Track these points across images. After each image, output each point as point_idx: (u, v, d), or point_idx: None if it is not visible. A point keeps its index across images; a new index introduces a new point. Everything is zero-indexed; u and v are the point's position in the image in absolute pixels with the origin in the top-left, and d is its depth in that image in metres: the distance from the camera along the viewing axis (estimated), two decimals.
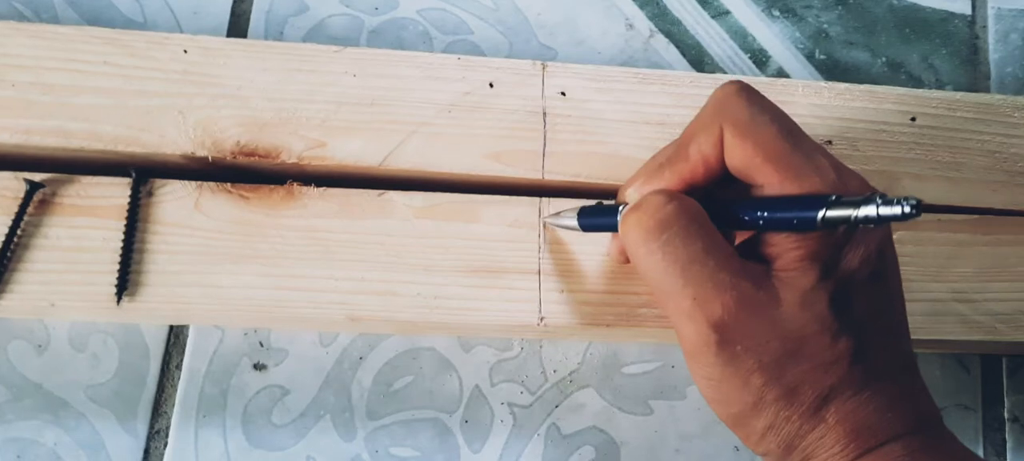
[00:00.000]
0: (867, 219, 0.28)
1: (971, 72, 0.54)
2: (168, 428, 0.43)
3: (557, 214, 0.40)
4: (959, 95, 0.46)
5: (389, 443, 0.44)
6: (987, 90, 0.54)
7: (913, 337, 0.41)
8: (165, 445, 0.43)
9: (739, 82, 0.33)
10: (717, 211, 0.32)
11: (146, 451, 0.43)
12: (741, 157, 0.31)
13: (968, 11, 0.56)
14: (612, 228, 0.36)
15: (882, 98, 0.45)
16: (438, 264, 0.40)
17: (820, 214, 0.29)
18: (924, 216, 0.44)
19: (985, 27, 0.56)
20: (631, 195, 0.35)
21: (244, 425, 0.43)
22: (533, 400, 0.45)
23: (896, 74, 0.54)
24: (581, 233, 0.41)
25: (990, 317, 0.43)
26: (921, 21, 0.55)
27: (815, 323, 0.30)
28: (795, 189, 0.30)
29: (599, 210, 0.37)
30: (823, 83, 0.45)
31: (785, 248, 0.31)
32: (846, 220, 0.28)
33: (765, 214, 0.30)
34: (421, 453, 0.44)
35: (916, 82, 0.54)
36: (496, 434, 0.45)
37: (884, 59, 0.54)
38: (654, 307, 0.40)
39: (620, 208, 0.35)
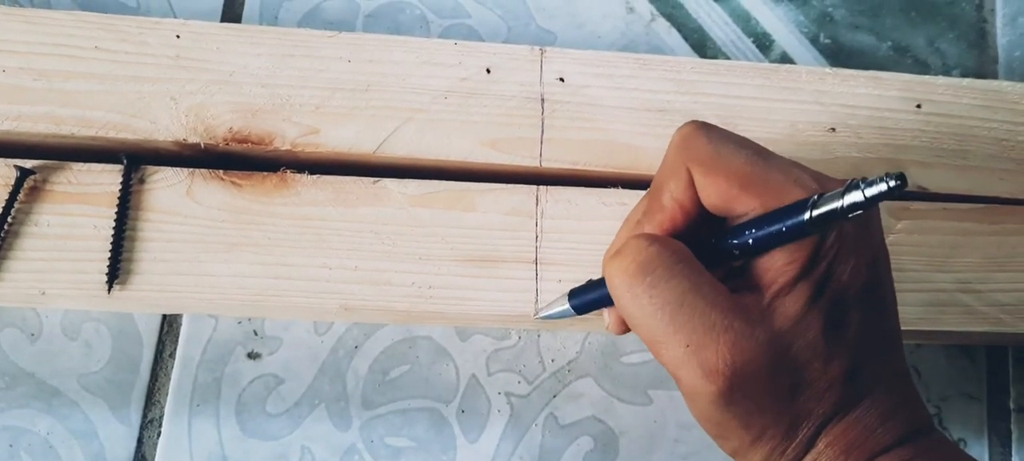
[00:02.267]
0: (855, 205, 0.27)
1: (979, 56, 0.54)
2: (161, 417, 0.43)
3: (547, 305, 0.38)
4: (966, 81, 0.45)
5: (385, 433, 0.44)
6: (995, 74, 0.53)
7: (917, 328, 0.41)
8: (159, 434, 0.43)
9: (696, 121, 0.32)
10: (705, 251, 0.31)
11: (139, 440, 0.43)
12: (715, 192, 0.30)
13: None
14: (605, 301, 0.35)
15: (887, 84, 0.44)
16: (433, 253, 0.40)
17: (807, 214, 0.28)
18: (929, 205, 0.43)
19: (993, 10, 0.55)
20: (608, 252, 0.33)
21: (238, 414, 0.43)
22: (531, 390, 0.45)
23: (902, 58, 0.53)
24: (580, 219, 0.40)
25: (995, 307, 0.42)
26: (928, 4, 0.54)
27: (808, 351, 0.29)
28: (776, 204, 0.29)
29: (588, 287, 0.36)
30: (827, 69, 0.44)
31: (776, 273, 0.30)
32: (835, 212, 0.27)
33: (753, 233, 0.29)
34: (417, 443, 0.44)
35: (922, 66, 0.53)
36: (493, 424, 0.44)
37: (890, 43, 0.53)
38: None
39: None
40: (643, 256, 0.30)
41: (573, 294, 0.37)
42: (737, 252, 0.30)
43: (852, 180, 0.27)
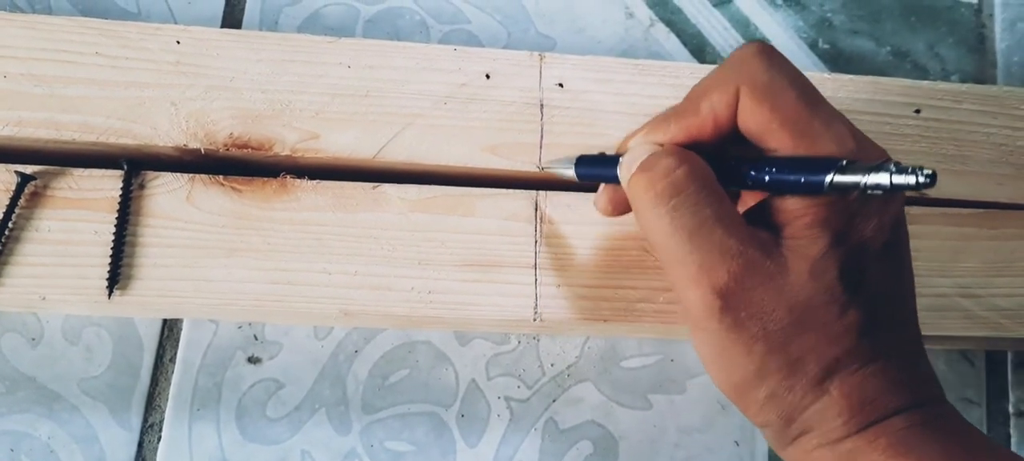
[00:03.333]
0: (878, 186, 0.27)
1: (978, 61, 0.54)
2: (162, 421, 0.43)
3: (554, 162, 0.39)
4: (965, 87, 0.45)
5: (385, 437, 0.44)
6: (994, 80, 0.53)
7: None
8: (159, 438, 0.43)
9: (761, 43, 0.31)
10: (723, 169, 0.31)
11: (140, 444, 0.43)
12: (757, 120, 0.30)
13: None
14: (609, 179, 0.35)
15: (886, 89, 0.44)
16: (433, 258, 0.40)
17: (828, 178, 0.28)
18: (929, 210, 0.43)
19: (992, 15, 0.55)
20: (633, 145, 0.33)
21: (238, 418, 0.43)
22: (530, 394, 0.45)
23: (901, 63, 0.53)
24: (579, 224, 0.40)
25: (995, 312, 0.42)
26: (927, 9, 0.54)
27: (824, 293, 0.29)
28: (809, 153, 0.29)
29: (598, 160, 0.36)
30: (826, 74, 0.45)
31: (795, 215, 0.30)
32: (855, 186, 0.27)
33: (773, 172, 0.29)
34: (417, 447, 0.44)
35: (922, 71, 0.53)
36: (493, 428, 0.44)
37: (889, 48, 0.53)
38: (653, 302, 0.40)
39: (620, 159, 0.33)
40: (671, 178, 0.30)
41: (581, 162, 0.37)
42: (750, 184, 0.31)
43: (885, 160, 0.27)
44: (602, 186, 0.37)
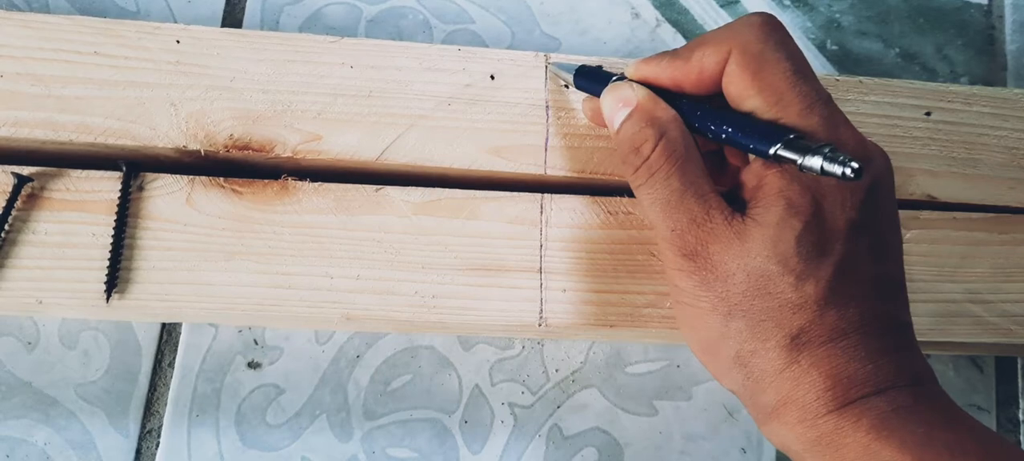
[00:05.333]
0: (809, 168, 0.29)
1: (987, 63, 0.53)
2: (160, 427, 0.42)
3: (561, 63, 0.41)
4: (976, 89, 0.45)
5: (386, 444, 0.43)
6: (1003, 82, 0.53)
7: (926, 339, 0.40)
8: (157, 445, 0.42)
9: (768, 14, 0.33)
10: (690, 115, 0.34)
11: (138, 451, 0.42)
12: (738, 85, 0.32)
13: (984, 0, 0.54)
14: (597, 92, 0.37)
15: (896, 92, 0.44)
16: (437, 262, 0.39)
17: (773, 149, 0.30)
18: (939, 214, 0.43)
19: (1001, 17, 0.54)
20: (620, 86, 0.36)
21: (238, 425, 0.42)
22: (534, 400, 0.44)
23: (910, 65, 0.52)
24: (585, 227, 0.40)
25: (1005, 318, 0.41)
26: (936, 10, 0.53)
27: (778, 262, 0.31)
28: (775, 118, 0.31)
29: (597, 75, 0.38)
30: (835, 76, 0.44)
31: (758, 185, 0.32)
32: (793, 163, 0.29)
33: (728, 130, 0.32)
34: (419, 454, 0.43)
35: (930, 73, 0.52)
36: (496, 435, 0.44)
37: (898, 50, 0.52)
38: (659, 307, 0.39)
39: (614, 77, 0.37)
40: (648, 161, 0.33)
41: (581, 73, 0.39)
42: (709, 135, 0.33)
43: (825, 146, 0.29)
44: (587, 99, 0.40)
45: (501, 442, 0.44)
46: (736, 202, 0.33)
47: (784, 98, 0.31)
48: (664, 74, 0.35)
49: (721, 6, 0.52)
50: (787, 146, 0.30)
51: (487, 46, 0.50)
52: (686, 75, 0.34)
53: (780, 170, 0.31)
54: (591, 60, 0.42)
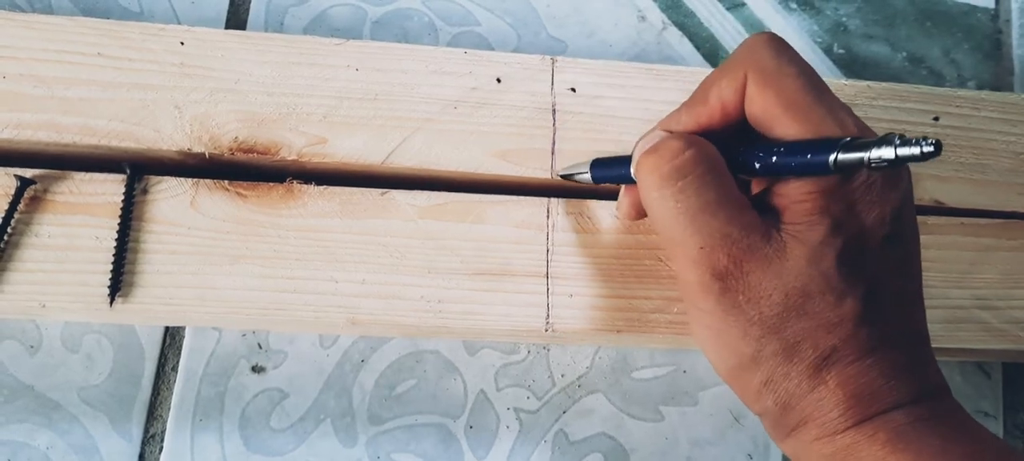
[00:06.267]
0: (882, 160, 0.27)
1: (994, 67, 0.53)
2: (163, 432, 0.42)
3: (570, 167, 0.39)
4: (984, 94, 0.44)
5: (391, 449, 0.43)
6: (1010, 87, 0.53)
7: (934, 345, 0.40)
8: (160, 449, 0.42)
9: (770, 33, 0.32)
10: (730, 156, 0.31)
11: (141, 456, 0.42)
12: (762, 106, 0.30)
13: (991, 4, 0.54)
14: (624, 179, 0.35)
15: (903, 96, 0.44)
16: (442, 266, 0.39)
17: (832, 156, 0.28)
18: (946, 220, 0.42)
19: (1008, 21, 0.54)
20: (645, 135, 0.34)
21: (242, 429, 0.42)
22: (540, 405, 0.44)
23: (917, 69, 0.52)
24: (592, 232, 0.39)
25: (1013, 325, 0.41)
26: (943, 14, 0.53)
27: (820, 280, 0.30)
28: (811, 136, 0.29)
29: (614, 161, 0.36)
30: (843, 80, 0.44)
31: (796, 200, 0.30)
32: (860, 163, 0.27)
33: (780, 152, 0.30)
34: (424, 459, 0.43)
35: (937, 77, 0.52)
36: (502, 440, 0.43)
37: (904, 53, 0.52)
38: (667, 313, 0.39)
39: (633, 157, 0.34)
40: (678, 160, 0.30)
41: (597, 164, 0.37)
42: (758, 168, 0.31)
43: (889, 134, 0.27)
44: (623, 190, 0.37)
45: (506, 447, 0.43)
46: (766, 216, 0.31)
47: (810, 110, 0.30)
48: (688, 124, 0.33)
49: (727, 9, 0.52)
50: (847, 149, 0.28)
51: (493, 49, 0.49)
52: (710, 115, 0.32)
53: (821, 186, 0.30)
54: (596, 62, 0.42)
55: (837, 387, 0.30)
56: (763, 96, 0.30)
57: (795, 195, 0.30)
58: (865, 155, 0.27)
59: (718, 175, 0.30)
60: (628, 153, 0.35)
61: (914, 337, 0.32)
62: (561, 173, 0.40)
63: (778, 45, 0.31)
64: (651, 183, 0.31)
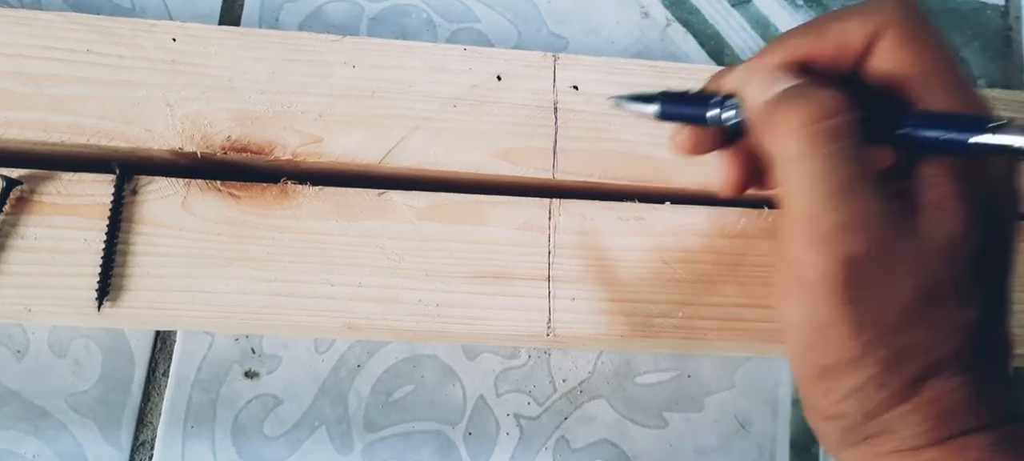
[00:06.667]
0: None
1: (1004, 66, 0.52)
2: (154, 439, 0.41)
3: (630, 96, 0.32)
4: (994, 92, 0.44)
5: (388, 456, 0.42)
6: (1020, 85, 0.52)
7: None
8: (150, 457, 0.41)
9: None
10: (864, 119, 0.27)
11: None
12: (902, 63, 0.27)
13: (1001, 1, 0.53)
14: (697, 120, 0.30)
15: None
16: (441, 269, 0.38)
17: (977, 137, 0.25)
18: None
19: (1019, 18, 0.53)
20: (753, 70, 0.29)
21: (234, 436, 0.41)
22: (541, 411, 0.43)
23: None
24: (595, 234, 0.38)
25: (1019, 329, 0.40)
26: (952, 12, 0.52)
27: (950, 281, 0.26)
28: (952, 110, 0.26)
29: (692, 98, 0.31)
30: None
31: (932, 182, 0.26)
32: (1000, 149, 0.24)
33: (925, 127, 0.26)
34: None
35: None
36: (502, 447, 0.42)
37: None
38: (672, 317, 0.38)
39: (713, 99, 0.30)
40: (836, 120, 0.26)
41: (668, 98, 0.31)
42: (901, 137, 0.27)
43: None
44: (724, 160, 0.32)
45: (506, 454, 0.42)
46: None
47: (961, 80, 0.26)
48: (796, 51, 0.28)
49: (732, 5, 0.51)
50: (999, 129, 0.24)
51: (493, 46, 0.48)
52: (821, 50, 0.28)
53: (955, 169, 0.26)
54: (599, 60, 0.41)
55: (929, 403, 0.27)
56: (906, 52, 0.27)
57: (931, 177, 0.26)
58: (1014, 140, 0.24)
59: (862, 149, 0.26)
60: (710, 89, 0.30)
61: (1004, 349, 0.29)
62: (616, 97, 0.32)
63: (921, 8, 0.27)
64: (796, 138, 0.26)
